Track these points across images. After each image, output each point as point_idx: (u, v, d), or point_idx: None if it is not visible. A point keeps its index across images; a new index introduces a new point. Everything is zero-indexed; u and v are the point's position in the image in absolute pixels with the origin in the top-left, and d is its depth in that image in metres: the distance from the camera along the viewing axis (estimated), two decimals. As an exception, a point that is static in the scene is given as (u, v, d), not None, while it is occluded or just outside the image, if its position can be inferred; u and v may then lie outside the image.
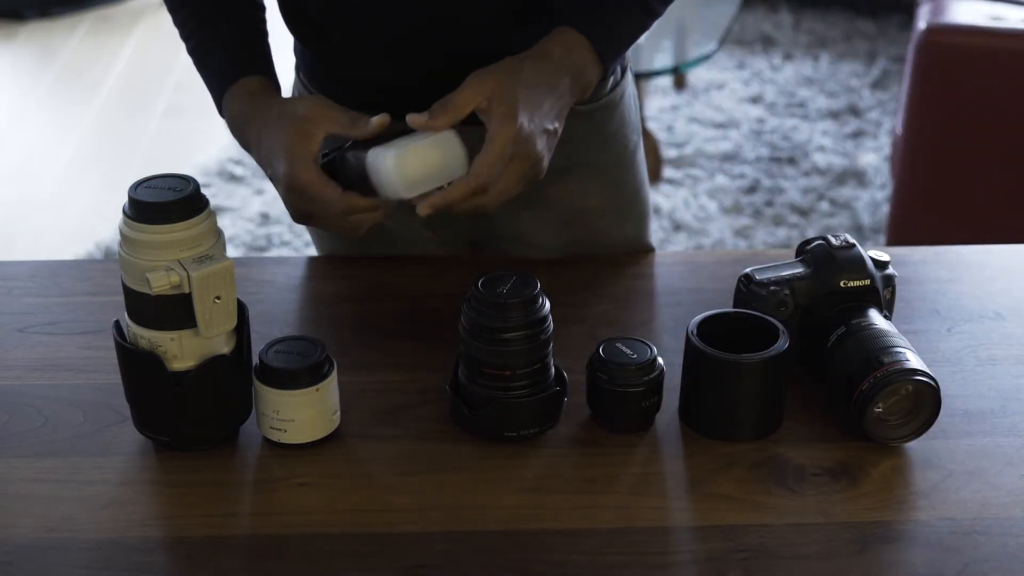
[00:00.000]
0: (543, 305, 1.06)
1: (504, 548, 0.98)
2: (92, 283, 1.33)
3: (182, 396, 1.03)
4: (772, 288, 1.13)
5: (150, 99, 3.82)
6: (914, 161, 2.65)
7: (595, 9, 1.20)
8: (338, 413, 1.09)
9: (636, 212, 1.43)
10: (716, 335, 1.09)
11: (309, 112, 1.14)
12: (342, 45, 1.28)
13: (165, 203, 0.99)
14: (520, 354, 1.05)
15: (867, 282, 1.13)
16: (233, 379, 1.06)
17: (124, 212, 1.00)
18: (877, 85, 3.86)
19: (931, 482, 1.05)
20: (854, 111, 3.70)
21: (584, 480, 1.06)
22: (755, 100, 3.78)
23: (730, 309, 1.14)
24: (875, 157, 3.43)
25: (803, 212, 3.19)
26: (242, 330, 1.06)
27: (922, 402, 1.06)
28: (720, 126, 3.62)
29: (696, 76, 3.90)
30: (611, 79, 1.34)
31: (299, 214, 1.17)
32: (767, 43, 4.13)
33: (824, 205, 3.21)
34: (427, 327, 1.24)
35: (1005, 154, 2.57)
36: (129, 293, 1.02)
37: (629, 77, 1.39)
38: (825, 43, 4.14)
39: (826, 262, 1.14)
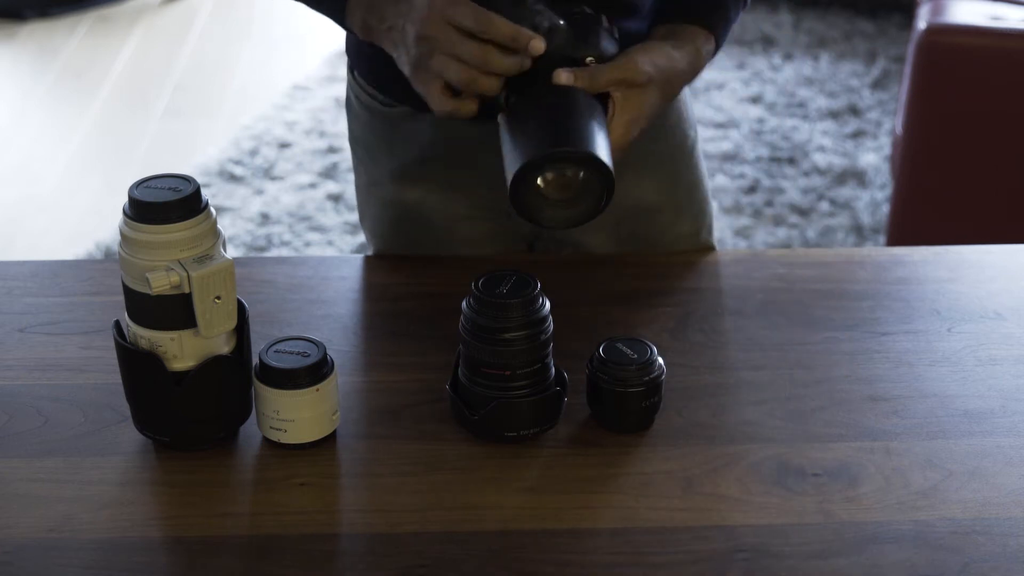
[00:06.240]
0: (543, 305, 1.06)
1: (504, 548, 0.98)
2: (92, 283, 1.33)
3: (182, 396, 1.04)
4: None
5: (150, 99, 3.82)
6: (914, 161, 2.65)
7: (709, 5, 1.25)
8: (338, 413, 1.09)
9: (694, 210, 1.43)
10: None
11: None
12: None
13: (165, 203, 0.99)
14: (520, 354, 1.05)
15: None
16: (233, 379, 1.06)
17: (124, 212, 1.00)
18: (877, 85, 3.85)
19: (931, 482, 1.05)
20: (854, 111, 3.69)
21: (584, 480, 1.06)
22: (755, 100, 3.77)
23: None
24: (875, 157, 3.43)
25: (803, 212, 3.18)
26: (242, 330, 1.06)
27: (588, 189, 1.03)
28: (720, 126, 3.61)
29: (696, 76, 3.89)
30: None
31: (425, 43, 1.10)
32: (767, 43, 4.13)
33: (824, 205, 3.20)
34: (427, 327, 1.24)
35: (1005, 154, 2.57)
36: (129, 293, 1.02)
37: None
38: (825, 43, 4.14)
39: None
